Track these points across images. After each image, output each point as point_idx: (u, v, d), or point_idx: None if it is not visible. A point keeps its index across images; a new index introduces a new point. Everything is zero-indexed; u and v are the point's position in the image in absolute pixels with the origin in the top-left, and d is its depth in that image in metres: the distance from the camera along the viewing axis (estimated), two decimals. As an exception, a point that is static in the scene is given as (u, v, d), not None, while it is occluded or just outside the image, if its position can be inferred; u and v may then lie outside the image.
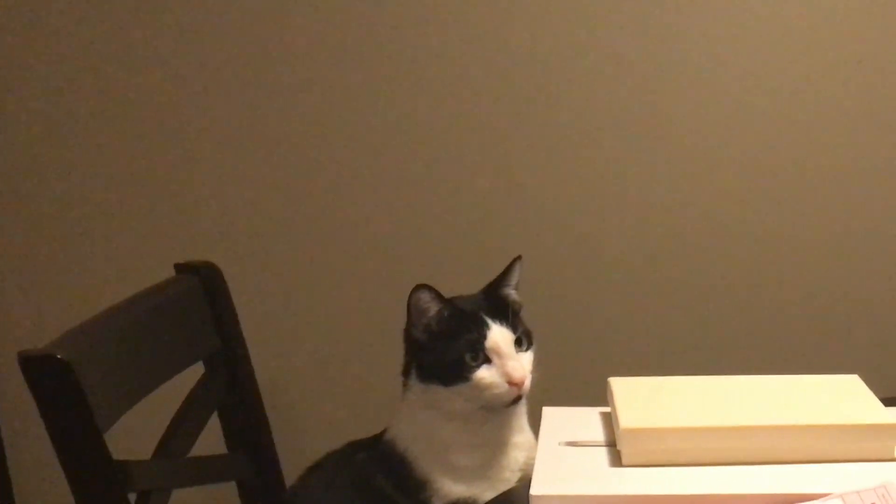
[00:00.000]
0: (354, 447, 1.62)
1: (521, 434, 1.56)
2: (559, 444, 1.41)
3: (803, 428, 1.35)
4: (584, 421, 1.49)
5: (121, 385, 1.50)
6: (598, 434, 1.44)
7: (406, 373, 1.56)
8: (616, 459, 1.36)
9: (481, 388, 1.48)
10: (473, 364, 1.48)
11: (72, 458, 1.37)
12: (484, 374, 1.48)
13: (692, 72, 2.16)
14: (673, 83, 2.17)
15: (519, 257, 1.58)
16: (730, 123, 2.18)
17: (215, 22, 2.13)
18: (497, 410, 1.52)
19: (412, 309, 1.51)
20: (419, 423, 1.54)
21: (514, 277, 1.58)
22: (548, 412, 1.52)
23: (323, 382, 2.29)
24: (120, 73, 2.17)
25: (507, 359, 1.49)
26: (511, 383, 1.48)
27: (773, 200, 2.22)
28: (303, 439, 2.16)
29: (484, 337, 1.49)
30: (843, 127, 2.19)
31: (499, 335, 1.50)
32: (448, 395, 1.50)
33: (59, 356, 1.34)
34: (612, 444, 1.40)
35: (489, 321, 1.51)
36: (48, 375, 1.34)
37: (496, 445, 1.54)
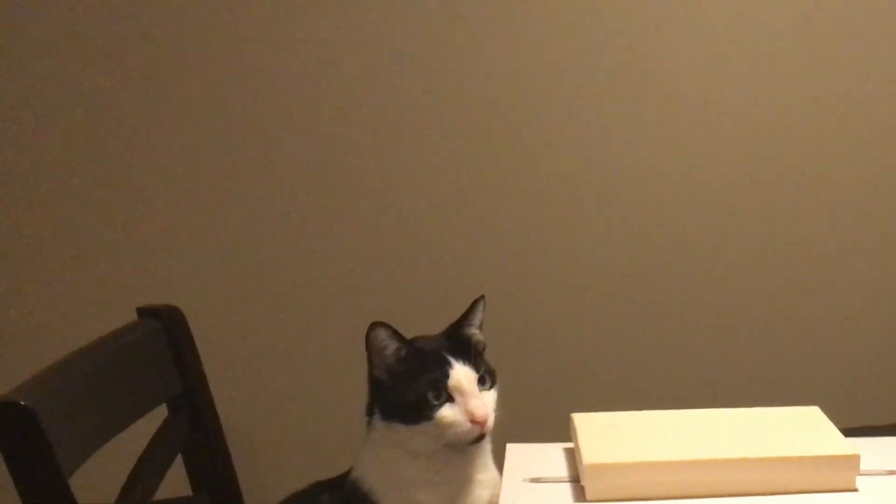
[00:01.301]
0: (319, 488, 1.61)
1: (485, 472, 1.56)
2: (523, 480, 1.42)
3: (765, 460, 1.37)
4: (548, 457, 1.50)
5: (85, 430, 1.49)
6: (563, 470, 1.46)
7: (369, 412, 1.56)
8: (580, 495, 1.37)
9: (444, 426, 1.48)
10: (436, 403, 1.48)
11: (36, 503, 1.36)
12: (446, 412, 1.48)
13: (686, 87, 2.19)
14: (658, 97, 2.19)
15: (482, 297, 1.58)
16: (691, 153, 2.21)
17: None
18: (461, 448, 1.51)
19: (370, 347, 1.51)
20: (383, 461, 1.54)
21: (477, 317, 1.58)
22: (512, 449, 1.53)
23: (287, 423, 2.27)
24: (81, 106, 2.17)
25: (470, 397, 1.48)
26: (474, 421, 1.48)
27: (730, 231, 2.24)
28: (267, 480, 2.15)
29: (446, 376, 1.49)
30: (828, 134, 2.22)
31: (461, 374, 1.50)
32: (411, 434, 1.49)
33: (22, 402, 1.32)
34: (576, 479, 1.41)
35: (451, 360, 1.51)
36: (11, 422, 1.33)
37: (460, 483, 1.54)
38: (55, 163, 2.19)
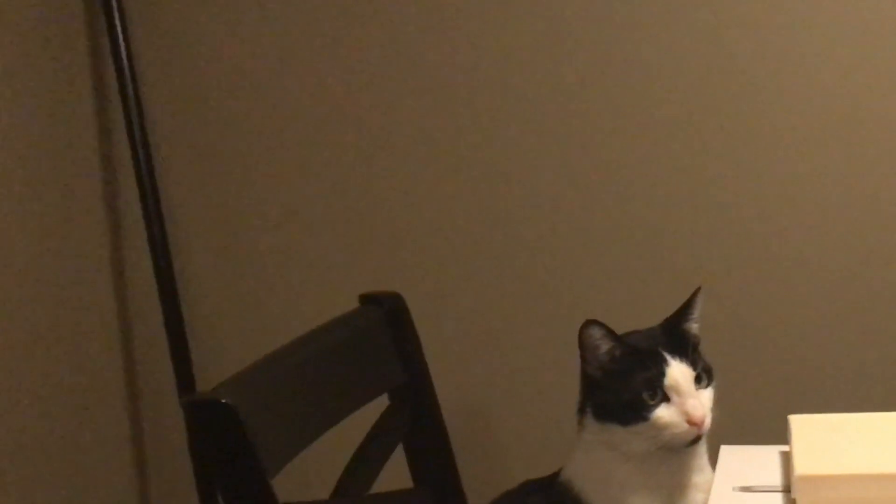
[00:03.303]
0: (529, 487, 1.58)
1: (701, 474, 1.49)
2: (733, 489, 1.35)
3: None
4: (764, 461, 1.43)
5: (295, 424, 1.49)
6: (776, 477, 1.37)
7: (581, 411, 1.52)
8: (792, 508, 1.27)
9: (660, 427, 1.42)
10: (651, 403, 1.42)
11: (237, 504, 1.37)
12: (663, 413, 1.42)
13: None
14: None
15: (699, 289, 1.51)
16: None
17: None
18: (676, 450, 1.45)
19: (583, 346, 1.47)
20: (595, 463, 1.49)
21: (696, 310, 1.52)
22: (726, 451, 1.47)
23: (508, 417, 2.24)
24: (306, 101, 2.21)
25: (687, 397, 1.42)
26: (691, 422, 1.41)
27: None
28: (489, 475, 2.11)
29: (662, 374, 1.43)
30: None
31: (678, 372, 1.43)
32: (625, 435, 1.44)
33: (223, 401, 1.33)
34: (789, 489, 1.32)
35: (668, 357, 1.44)
36: (212, 421, 1.34)
37: (675, 487, 1.48)
38: (280, 145, 2.25)
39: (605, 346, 1.46)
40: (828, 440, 1.34)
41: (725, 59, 2.07)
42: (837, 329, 2.10)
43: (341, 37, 2.19)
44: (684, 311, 1.51)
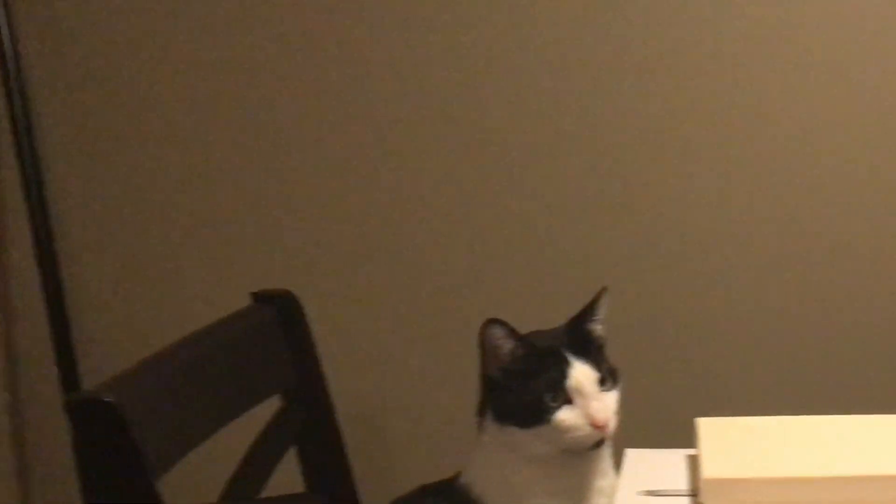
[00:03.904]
0: (425, 492, 1.53)
1: (604, 478, 1.45)
2: (638, 493, 1.32)
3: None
4: (670, 465, 1.40)
5: (184, 425, 1.44)
6: (683, 481, 1.34)
7: (481, 413, 1.47)
8: (699, 512, 1.25)
9: (562, 430, 1.38)
10: (553, 405, 1.38)
11: (120, 505, 1.31)
12: (565, 415, 1.38)
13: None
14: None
15: (605, 289, 1.47)
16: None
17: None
18: (579, 454, 1.41)
19: (484, 346, 1.42)
20: (495, 466, 1.44)
21: (601, 310, 1.48)
22: (631, 455, 1.43)
23: (405, 419, 2.21)
24: (200, 94, 2.15)
25: (590, 399, 1.38)
26: (594, 425, 1.37)
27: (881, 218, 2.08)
28: (383, 479, 2.09)
29: (565, 375, 1.39)
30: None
31: (581, 373, 1.39)
32: (526, 438, 1.40)
33: (106, 399, 1.27)
34: (696, 493, 1.29)
35: (571, 358, 1.40)
36: (95, 420, 1.29)
37: (578, 491, 1.44)
38: (171, 138, 2.18)
39: (506, 346, 1.41)
40: (735, 444, 1.32)
41: (622, 58, 2.06)
42: (744, 333, 2.10)
43: (230, 31, 2.13)
44: (588, 311, 1.47)
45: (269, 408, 1.67)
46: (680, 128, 2.07)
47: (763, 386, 2.10)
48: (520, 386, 1.40)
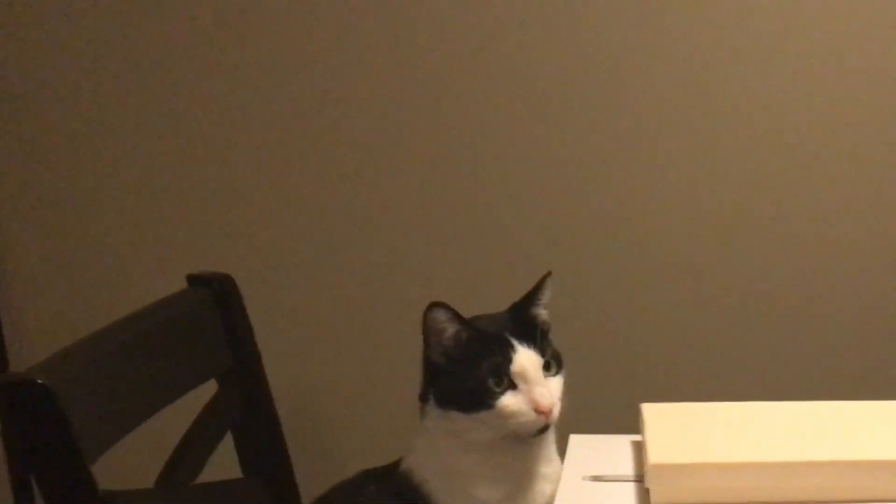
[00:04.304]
0: (366, 478, 1.51)
1: (548, 465, 1.44)
2: (583, 478, 1.30)
3: (862, 464, 1.22)
4: (614, 451, 1.39)
5: (118, 408, 1.41)
6: (629, 467, 1.33)
7: (423, 398, 1.45)
8: (644, 497, 1.24)
9: (505, 416, 1.36)
10: (497, 390, 1.36)
11: (54, 491, 1.27)
12: (509, 401, 1.36)
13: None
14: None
15: (549, 273, 1.46)
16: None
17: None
18: (522, 440, 1.40)
19: (427, 329, 1.40)
20: (438, 452, 1.43)
21: (545, 295, 1.46)
22: (575, 440, 1.42)
23: (344, 403, 2.20)
24: (126, 73, 2.11)
25: (535, 384, 1.37)
26: (538, 411, 1.36)
27: (822, 209, 2.09)
28: (322, 463, 2.07)
29: (509, 360, 1.37)
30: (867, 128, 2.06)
31: (525, 358, 1.38)
32: (469, 423, 1.38)
33: (39, 381, 1.24)
34: (641, 479, 1.28)
35: (515, 343, 1.39)
36: (26, 402, 1.24)
37: (521, 477, 1.42)
38: (106, 119, 2.14)
39: (450, 329, 1.39)
40: (681, 429, 1.30)
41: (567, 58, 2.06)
42: (687, 319, 2.11)
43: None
44: (532, 296, 1.46)
45: (206, 392, 1.64)
46: (610, 109, 2.07)
47: (707, 372, 2.11)
48: (463, 370, 1.38)
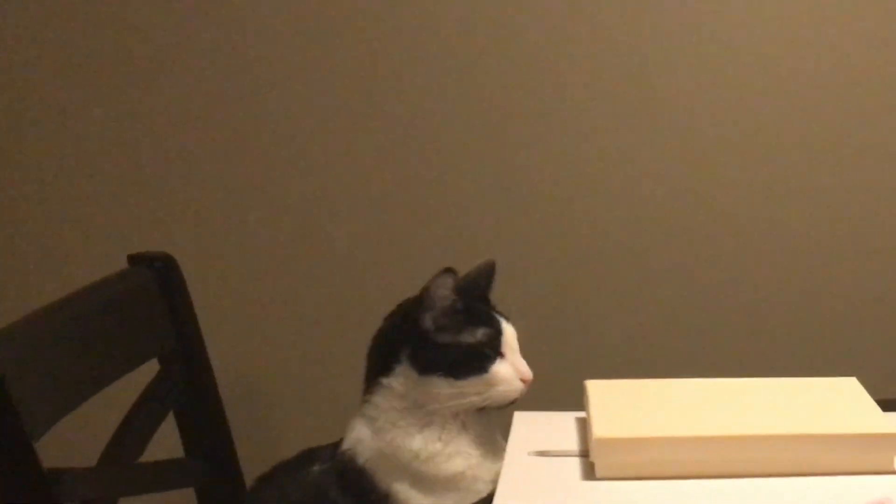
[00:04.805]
0: (309, 457, 1.50)
1: (494, 443, 1.45)
2: (528, 453, 1.32)
3: (795, 437, 1.26)
4: (559, 428, 1.41)
5: (61, 387, 1.40)
6: (573, 442, 1.35)
7: (383, 370, 1.44)
8: (589, 471, 1.26)
9: (495, 382, 1.39)
10: (491, 357, 1.40)
11: (-1, 469, 1.27)
12: (500, 367, 1.40)
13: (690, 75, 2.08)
14: (667, 85, 2.09)
15: (493, 262, 1.50)
16: (720, 125, 2.10)
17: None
18: (478, 416, 1.43)
19: (430, 293, 1.41)
20: (387, 429, 1.42)
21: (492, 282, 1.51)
22: (519, 417, 1.44)
23: (286, 383, 2.19)
24: (58, 54, 2.09)
25: (517, 355, 1.43)
26: (523, 380, 1.41)
27: (764, 196, 2.12)
28: (266, 443, 2.07)
29: (501, 331, 1.42)
30: (847, 125, 2.10)
31: (510, 331, 1.44)
32: (454, 390, 1.39)
33: (-20, 359, 1.24)
34: (586, 454, 1.30)
35: (499, 317, 1.44)
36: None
37: (472, 454, 1.43)
38: (44, 100, 2.12)
39: (450, 297, 1.41)
40: (624, 405, 1.33)
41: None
42: (629, 299, 2.14)
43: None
44: (489, 282, 1.49)
45: (149, 371, 1.64)
46: (545, 100, 2.09)
47: (649, 350, 2.14)
48: (458, 337, 1.41)
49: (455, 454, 1.42)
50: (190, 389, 1.70)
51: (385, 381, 1.43)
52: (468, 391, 1.39)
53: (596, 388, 1.37)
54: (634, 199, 2.12)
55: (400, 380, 1.42)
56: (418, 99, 2.09)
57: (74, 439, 1.55)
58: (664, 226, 2.13)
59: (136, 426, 1.55)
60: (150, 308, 1.66)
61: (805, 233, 2.14)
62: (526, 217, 2.13)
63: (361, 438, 1.44)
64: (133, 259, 1.69)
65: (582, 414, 1.40)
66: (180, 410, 1.70)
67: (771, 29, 2.06)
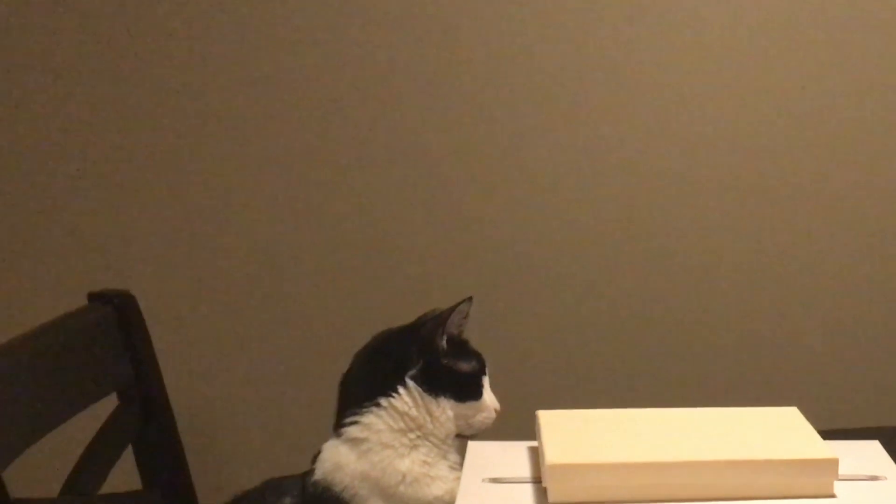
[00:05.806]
0: (275, 489, 1.51)
1: (456, 470, 1.48)
2: (482, 480, 1.35)
3: (739, 463, 1.30)
4: (511, 456, 1.43)
5: (22, 420, 1.43)
6: (525, 470, 1.38)
7: (384, 390, 1.46)
8: (542, 497, 1.30)
9: (482, 409, 1.49)
10: (483, 385, 1.51)
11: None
12: (487, 396, 1.50)
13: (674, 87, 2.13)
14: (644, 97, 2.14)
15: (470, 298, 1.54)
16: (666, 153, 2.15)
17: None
18: (455, 442, 1.49)
19: (453, 318, 1.49)
20: (377, 451, 1.44)
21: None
22: (473, 446, 1.47)
23: (242, 417, 2.20)
24: (30, 91, 2.11)
25: (489, 390, 1.52)
26: (495, 410, 1.51)
27: (706, 223, 2.18)
28: (222, 476, 2.08)
29: (484, 364, 1.52)
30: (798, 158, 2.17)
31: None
32: (457, 411, 1.48)
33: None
34: (538, 480, 1.34)
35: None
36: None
37: (448, 479, 1.46)
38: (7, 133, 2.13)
39: (461, 326, 1.52)
40: (575, 433, 1.36)
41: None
42: (580, 331, 2.19)
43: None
44: (462, 319, 1.54)
45: (108, 405, 1.66)
46: (524, 116, 2.14)
47: (598, 381, 2.19)
48: (462, 360, 1.50)
49: (437, 478, 1.46)
50: (147, 422, 1.73)
51: (385, 400, 1.46)
52: (465, 414, 1.47)
53: (547, 418, 1.41)
54: (583, 232, 2.17)
55: (404, 399, 1.46)
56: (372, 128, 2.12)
57: (36, 471, 1.56)
58: (608, 263, 2.18)
59: (97, 458, 1.57)
60: (109, 344, 1.69)
61: (747, 267, 2.20)
62: (478, 247, 2.16)
63: (341, 464, 1.45)
64: (92, 297, 1.73)
65: (534, 443, 1.43)
66: (138, 443, 1.72)
67: (771, 29, 2.11)
